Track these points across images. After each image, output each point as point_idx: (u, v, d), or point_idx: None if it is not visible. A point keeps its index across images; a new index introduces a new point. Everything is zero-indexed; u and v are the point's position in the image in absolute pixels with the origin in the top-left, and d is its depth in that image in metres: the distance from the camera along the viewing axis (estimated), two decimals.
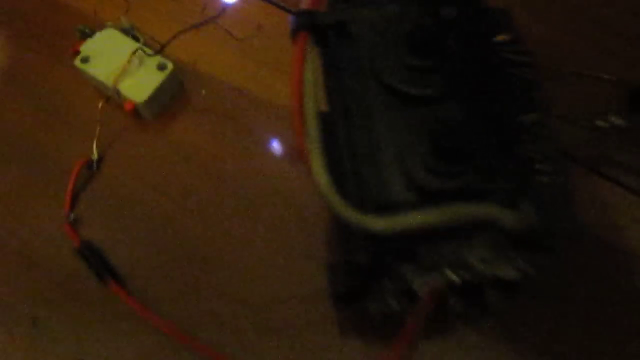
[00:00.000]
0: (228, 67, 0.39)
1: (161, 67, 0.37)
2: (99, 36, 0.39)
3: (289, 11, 0.40)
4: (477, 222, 0.23)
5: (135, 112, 0.38)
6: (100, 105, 0.37)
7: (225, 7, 0.38)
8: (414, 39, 0.25)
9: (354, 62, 0.27)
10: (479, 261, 0.26)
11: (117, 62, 0.37)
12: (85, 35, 0.39)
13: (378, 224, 0.23)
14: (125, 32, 0.39)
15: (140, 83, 0.37)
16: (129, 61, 0.37)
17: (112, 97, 0.37)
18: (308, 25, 0.27)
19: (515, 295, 0.31)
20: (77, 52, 0.39)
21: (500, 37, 0.31)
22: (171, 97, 0.39)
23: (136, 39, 0.39)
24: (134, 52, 0.37)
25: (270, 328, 0.33)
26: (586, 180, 0.34)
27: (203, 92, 0.39)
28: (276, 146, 0.37)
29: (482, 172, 0.24)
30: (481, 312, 0.31)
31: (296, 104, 0.26)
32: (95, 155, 0.37)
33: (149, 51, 0.38)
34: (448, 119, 0.24)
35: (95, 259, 0.34)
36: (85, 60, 0.38)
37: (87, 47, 0.38)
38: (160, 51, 0.38)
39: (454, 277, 0.26)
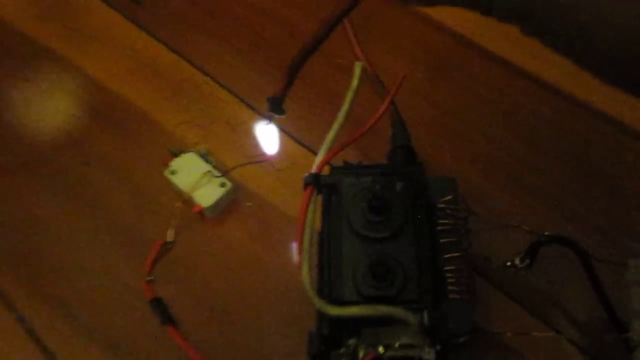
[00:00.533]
0: (270, 189, 0.56)
1: (222, 185, 0.55)
2: (183, 157, 0.57)
3: (314, 151, 0.58)
4: (393, 318, 0.39)
5: (201, 212, 0.55)
6: (178, 204, 0.55)
7: (270, 156, 0.55)
8: (371, 203, 0.41)
9: (338, 208, 0.43)
10: (400, 344, 0.41)
11: (193, 177, 0.55)
12: (174, 155, 0.57)
13: (333, 311, 0.39)
14: (202, 155, 0.57)
15: (207, 194, 0.54)
16: (201, 178, 0.55)
17: (186, 200, 0.55)
18: (314, 182, 0.44)
19: None
20: (167, 164, 0.57)
21: (443, 200, 0.48)
22: (227, 204, 0.56)
23: (208, 161, 0.56)
24: (205, 173, 0.55)
25: None
26: (494, 298, 0.49)
27: (249, 204, 0.56)
28: (289, 248, 0.54)
29: (404, 288, 0.40)
30: None
31: (300, 231, 0.43)
32: (171, 238, 0.54)
33: (215, 173, 0.55)
34: (383, 254, 0.40)
35: (161, 310, 0.51)
36: (172, 172, 0.56)
37: (175, 163, 0.56)
38: (223, 174, 0.55)
39: (381, 351, 0.41)
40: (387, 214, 0.42)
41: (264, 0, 0.68)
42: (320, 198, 0.45)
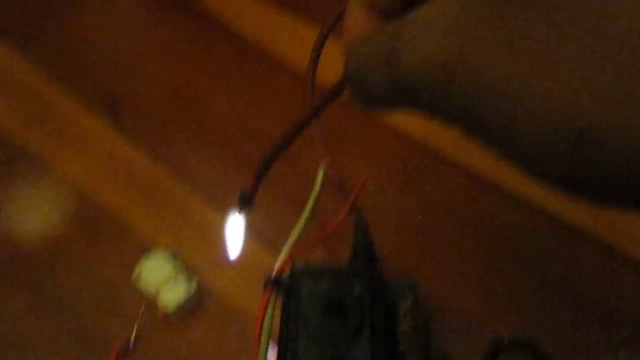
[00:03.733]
0: (234, 290, 0.56)
1: (188, 287, 0.55)
2: (150, 258, 0.57)
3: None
4: None
5: (165, 315, 0.55)
6: (142, 307, 0.55)
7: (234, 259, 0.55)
8: (326, 306, 0.42)
9: (296, 311, 0.44)
10: None
11: (159, 279, 0.55)
12: (143, 254, 0.58)
13: None
14: (169, 257, 0.58)
15: (172, 296, 0.54)
16: (167, 280, 0.55)
17: (151, 302, 0.55)
18: (273, 285, 0.45)
19: None
20: (134, 265, 0.57)
21: (404, 303, 0.48)
22: (192, 306, 0.56)
23: (175, 263, 0.57)
24: (171, 275, 0.56)
25: None
26: None
27: (214, 306, 0.56)
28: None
29: None
30: None
31: (257, 332, 0.43)
32: (131, 344, 0.54)
33: (181, 275, 0.56)
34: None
35: None
36: (139, 273, 0.56)
37: (142, 264, 0.57)
38: (189, 277, 0.56)
39: None
40: (343, 318, 0.42)
41: (240, 114, 0.71)
42: (280, 300, 0.46)
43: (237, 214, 0.51)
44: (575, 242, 0.58)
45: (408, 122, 0.67)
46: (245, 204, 0.50)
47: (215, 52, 0.76)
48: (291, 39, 0.77)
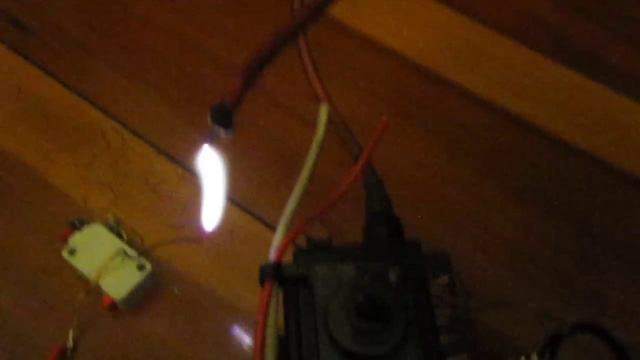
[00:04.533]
0: (201, 268, 0.44)
1: (140, 267, 0.42)
2: (86, 231, 0.43)
3: (259, 218, 0.45)
4: None
5: (113, 304, 0.41)
6: (80, 296, 0.41)
7: (207, 232, 0.41)
8: (361, 307, 0.30)
9: (311, 311, 0.31)
10: None
11: (101, 258, 0.42)
12: (74, 227, 0.44)
13: None
14: (111, 227, 0.44)
15: (120, 280, 0.41)
16: (111, 259, 0.42)
17: (92, 289, 0.41)
18: (273, 275, 0.32)
19: None
20: (65, 239, 0.43)
21: (438, 283, 0.37)
22: (147, 291, 0.43)
23: (120, 236, 0.43)
24: (117, 252, 0.42)
25: None
26: None
27: (176, 290, 0.43)
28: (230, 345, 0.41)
29: None
30: None
31: (259, 334, 0.30)
32: (70, 344, 0.40)
33: (130, 252, 0.42)
34: None
35: None
36: (72, 252, 0.42)
37: (75, 240, 0.43)
38: (140, 253, 0.42)
39: None
40: (384, 320, 0.30)
41: (184, 29, 0.55)
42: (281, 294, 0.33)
43: (211, 138, 0.37)
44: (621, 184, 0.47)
45: (401, 41, 0.54)
46: (223, 121, 0.35)
47: None
48: None
